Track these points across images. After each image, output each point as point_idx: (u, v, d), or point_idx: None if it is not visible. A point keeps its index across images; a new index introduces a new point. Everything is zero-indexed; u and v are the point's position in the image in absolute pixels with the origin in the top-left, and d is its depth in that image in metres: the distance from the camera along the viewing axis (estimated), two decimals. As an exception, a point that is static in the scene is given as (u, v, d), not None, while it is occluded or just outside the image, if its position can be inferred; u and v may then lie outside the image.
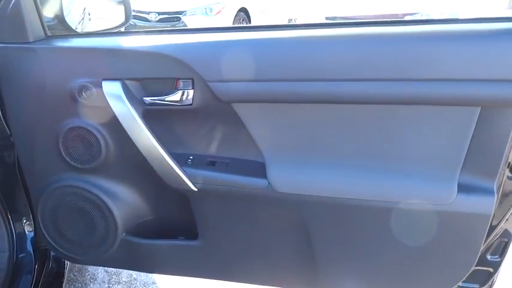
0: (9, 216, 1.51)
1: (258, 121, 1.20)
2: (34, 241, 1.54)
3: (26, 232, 1.55)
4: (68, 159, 1.28)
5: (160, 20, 6.76)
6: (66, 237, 1.41)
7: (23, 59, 1.22)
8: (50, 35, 1.27)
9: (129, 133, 1.21)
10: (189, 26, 6.53)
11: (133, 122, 1.20)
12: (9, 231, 1.51)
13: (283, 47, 1.15)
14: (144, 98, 1.22)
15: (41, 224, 1.40)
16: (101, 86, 1.19)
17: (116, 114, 1.19)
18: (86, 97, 1.21)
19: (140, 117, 1.20)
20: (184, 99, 1.20)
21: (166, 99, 1.21)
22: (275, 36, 1.19)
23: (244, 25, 6.58)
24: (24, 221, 1.56)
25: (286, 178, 1.21)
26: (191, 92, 1.19)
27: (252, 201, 1.24)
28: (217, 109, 1.21)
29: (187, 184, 1.25)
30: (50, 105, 1.24)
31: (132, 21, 6.43)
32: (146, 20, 6.74)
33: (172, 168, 1.24)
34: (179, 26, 6.57)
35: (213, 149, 1.30)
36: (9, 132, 1.34)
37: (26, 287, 1.53)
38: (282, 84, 1.14)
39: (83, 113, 1.24)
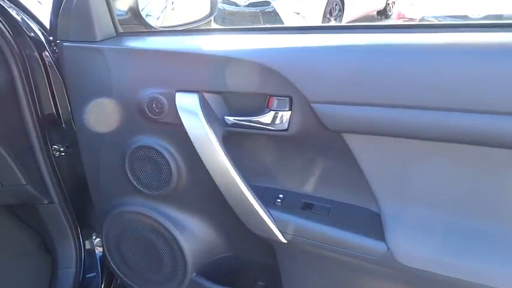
0: (79, 232, 1.35)
1: (377, 160, 0.84)
2: (103, 260, 1.36)
3: (96, 250, 1.38)
4: (134, 183, 1.05)
5: (249, 5, 6.22)
6: (130, 267, 1.19)
7: (89, 60, 1.00)
8: (122, 31, 1.03)
9: (203, 159, 0.93)
10: (280, 11, 6.07)
11: (210, 146, 0.91)
12: (78, 247, 1.35)
13: (423, 58, 0.76)
14: (226, 118, 0.93)
15: (105, 247, 1.20)
16: (174, 99, 0.92)
17: (190, 134, 0.92)
18: (157, 111, 0.95)
19: (219, 141, 0.91)
20: (277, 122, 0.88)
21: (254, 120, 0.90)
22: (411, 42, 0.81)
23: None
24: (95, 238, 1.39)
25: (416, 246, 0.84)
26: (287, 114, 0.87)
27: (361, 270, 0.90)
28: (321, 139, 0.87)
29: (273, 232, 0.94)
30: (116, 116, 1.01)
31: (221, 5, 6.18)
32: (235, 4, 6.21)
33: (255, 209, 0.93)
34: (269, 11, 6.13)
35: (310, 187, 0.97)
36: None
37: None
38: (418, 113, 0.76)
39: (152, 130, 0.99)
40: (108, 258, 1.21)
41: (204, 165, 0.94)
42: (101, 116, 1.04)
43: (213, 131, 0.90)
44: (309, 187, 0.97)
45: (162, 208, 1.08)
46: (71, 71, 1.02)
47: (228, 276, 1.16)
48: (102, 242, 1.22)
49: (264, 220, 0.93)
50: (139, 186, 1.05)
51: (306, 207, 0.95)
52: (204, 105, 0.91)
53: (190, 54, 0.91)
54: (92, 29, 0.98)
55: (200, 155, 0.92)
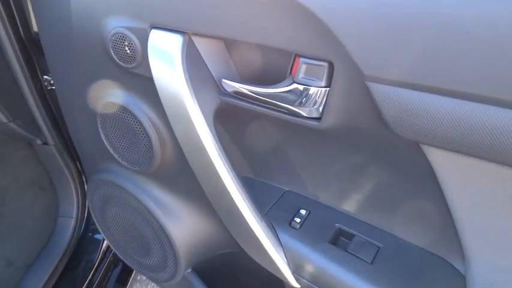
0: (83, 180, 1.11)
1: (476, 192, 0.43)
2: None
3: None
4: (111, 150, 0.74)
5: None
6: (117, 242, 0.94)
7: None
8: None
9: (181, 141, 0.57)
10: None
11: (190, 123, 0.55)
12: (79, 197, 1.13)
13: None
14: (224, 81, 0.55)
15: (90, 210, 0.95)
16: (147, 39, 0.55)
17: (162, 99, 0.56)
18: (126, 56, 0.59)
19: (207, 117, 0.55)
20: (305, 104, 0.48)
21: (266, 93, 0.51)
22: None
23: None
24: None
25: None
26: (323, 92, 0.46)
27: None
28: (380, 142, 0.47)
29: (280, 270, 0.59)
30: (81, 55, 0.67)
31: None
32: None
33: (253, 231, 0.58)
34: None
35: (350, 206, 0.59)
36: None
37: (91, 259, 1.18)
38: None
39: (124, 83, 0.64)
40: (96, 224, 0.96)
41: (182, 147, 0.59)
42: (66, 49, 0.70)
43: (199, 100, 0.53)
44: (349, 205, 0.58)
45: (147, 186, 0.77)
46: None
47: (232, 276, 0.86)
48: (88, 203, 0.97)
49: (266, 249, 0.57)
50: (116, 156, 0.73)
51: (340, 238, 0.57)
52: (191, 55, 0.53)
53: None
54: None
55: (175, 131, 0.57)
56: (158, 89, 0.55)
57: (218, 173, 0.54)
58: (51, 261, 1.09)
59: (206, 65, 0.54)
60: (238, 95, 0.54)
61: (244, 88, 0.52)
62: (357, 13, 0.40)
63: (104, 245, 1.17)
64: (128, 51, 0.59)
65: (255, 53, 0.53)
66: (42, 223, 1.28)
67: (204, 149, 0.54)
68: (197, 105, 0.52)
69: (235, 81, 0.54)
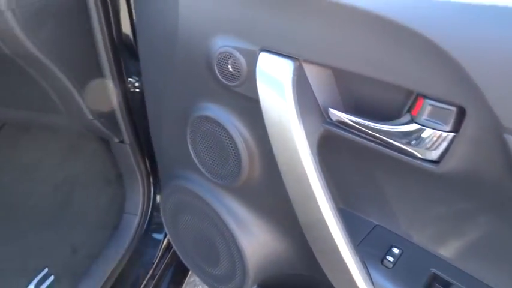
0: (150, 180, 1.14)
1: None
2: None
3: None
4: (195, 160, 0.74)
5: None
6: (185, 248, 0.95)
7: None
8: None
9: (281, 164, 0.57)
10: None
11: (294, 148, 0.54)
12: (146, 197, 1.16)
13: None
14: (331, 110, 0.53)
15: (162, 214, 0.97)
16: (256, 60, 0.55)
17: (267, 121, 0.55)
18: (231, 75, 0.59)
19: (311, 144, 0.53)
20: (422, 145, 0.46)
21: (377, 128, 0.49)
22: None
23: None
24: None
25: None
26: (447, 136, 0.44)
27: None
28: (502, 195, 0.44)
29: None
30: (182, 67, 0.68)
31: None
32: None
33: (345, 263, 0.56)
34: None
35: (450, 250, 0.56)
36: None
37: (150, 257, 1.20)
38: None
39: (223, 100, 0.64)
40: (165, 228, 0.98)
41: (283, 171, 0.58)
42: (166, 59, 0.72)
43: (305, 127, 0.52)
44: (448, 251, 0.55)
45: (225, 198, 0.77)
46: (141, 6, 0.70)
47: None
48: (160, 207, 0.99)
49: (356, 284, 0.55)
50: (201, 167, 0.74)
51: (435, 284, 0.54)
52: (300, 82, 0.52)
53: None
54: None
55: (277, 156, 0.56)
56: (264, 111, 0.54)
57: (317, 202, 0.53)
58: (115, 255, 1.12)
59: (313, 91, 0.53)
60: (344, 125, 0.52)
61: (353, 120, 0.51)
62: (499, 55, 0.37)
63: (163, 246, 1.19)
64: (232, 69, 0.59)
65: (365, 85, 0.51)
66: (107, 215, 1.32)
67: (306, 176, 0.53)
68: (303, 131, 0.52)
69: (341, 111, 0.53)
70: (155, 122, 0.84)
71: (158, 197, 1.21)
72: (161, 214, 0.96)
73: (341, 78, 0.53)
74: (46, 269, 1.15)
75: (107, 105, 1.01)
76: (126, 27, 0.95)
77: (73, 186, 1.43)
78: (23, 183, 1.46)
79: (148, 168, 1.13)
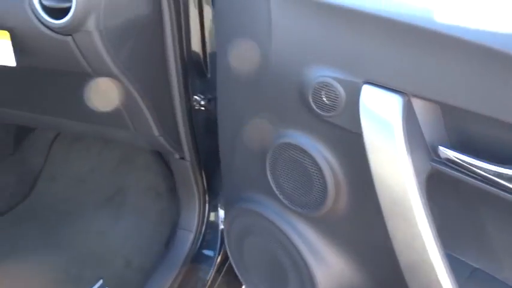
0: (206, 198, 1.13)
1: None
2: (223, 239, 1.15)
3: (220, 222, 1.17)
4: (273, 186, 0.73)
5: None
6: (250, 275, 0.94)
7: (248, 1, 0.65)
8: None
9: (384, 204, 0.54)
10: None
11: (402, 188, 0.52)
12: (201, 214, 1.15)
13: None
14: (442, 148, 0.51)
15: (225, 237, 0.96)
16: (359, 94, 0.53)
17: (371, 158, 0.53)
18: (326, 105, 0.58)
19: (419, 184, 0.51)
20: None
21: (492, 170, 0.46)
22: None
23: None
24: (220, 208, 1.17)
25: None
26: None
27: None
28: None
29: None
30: (267, 91, 0.67)
31: None
32: None
33: None
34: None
35: None
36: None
37: (204, 275, 1.19)
38: None
39: (312, 128, 0.63)
40: (228, 250, 0.97)
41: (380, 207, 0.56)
42: (248, 82, 0.71)
43: (414, 165, 0.50)
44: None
45: (301, 226, 0.75)
46: (222, 13, 0.70)
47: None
48: (224, 229, 0.98)
49: None
50: (279, 194, 0.73)
51: None
52: (409, 118, 0.50)
53: (405, 25, 0.49)
54: None
55: (379, 192, 0.54)
56: (367, 146, 0.53)
57: (424, 242, 0.51)
58: (170, 272, 1.12)
59: (420, 127, 0.51)
60: (455, 164, 0.50)
61: (467, 160, 0.48)
62: None
63: (217, 263, 1.18)
64: (329, 100, 0.57)
65: (479, 122, 0.49)
66: (158, 229, 1.33)
67: (414, 215, 0.51)
68: (412, 169, 0.49)
69: (448, 148, 0.50)
70: (227, 142, 0.84)
71: (212, 215, 1.20)
72: (225, 235, 0.95)
73: (450, 114, 0.51)
74: (101, 281, 1.16)
75: (173, 122, 1.02)
76: (195, 45, 0.95)
77: (125, 198, 1.45)
78: (76, 192, 1.49)
79: (205, 186, 1.13)
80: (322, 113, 0.59)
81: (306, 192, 0.68)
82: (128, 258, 1.26)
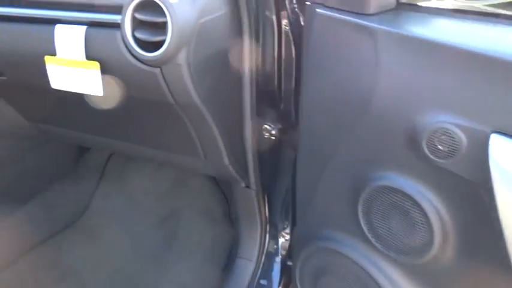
0: (267, 228, 1.11)
1: None
2: (282, 270, 1.12)
3: (279, 253, 1.14)
4: (365, 229, 0.70)
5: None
6: None
7: (350, 39, 0.64)
8: (406, 1, 0.62)
9: None
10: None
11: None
12: (262, 243, 1.13)
13: None
14: None
15: (297, 275, 0.92)
16: (486, 144, 0.50)
17: (502, 212, 0.49)
18: (441, 152, 0.55)
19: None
20: None
21: None
22: None
23: None
24: (281, 238, 1.14)
25: None
26: None
27: None
28: None
29: None
30: (366, 132, 0.64)
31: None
32: None
33: None
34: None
35: None
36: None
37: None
38: None
39: (419, 173, 0.60)
40: (299, 285, 0.93)
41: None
42: (343, 121, 0.68)
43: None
44: None
45: (394, 273, 0.71)
46: (317, 49, 0.68)
47: None
48: (294, 266, 0.94)
49: None
50: (371, 237, 0.69)
51: None
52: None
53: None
54: None
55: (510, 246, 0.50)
56: (497, 198, 0.49)
57: None
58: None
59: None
60: None
61: None
62: None
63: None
64: (444, 147, 0.54)
65: None
66: (214, 255, 1.30)
67: None
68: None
69: None
70: (308, 177, 0.81)
71: (271, 244, 1.18)
72: (296, 271, 0.92)
73: None
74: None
75: (242, 151, 1.01)
76: (271, 75, 0.94)
77: (179, 221, 1.44)
78: (130, 212, 1.49)
79: (267, 216, 1.11)
80: (436, 159, 0.55)
81: (405, 239, 0.64)
82: (182, 282, 1.24)
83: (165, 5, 0.68)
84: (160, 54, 0.70)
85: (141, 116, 0.95)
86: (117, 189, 1.52)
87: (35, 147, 1.30)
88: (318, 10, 0.65)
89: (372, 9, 0.60)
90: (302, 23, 0.86)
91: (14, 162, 1.25)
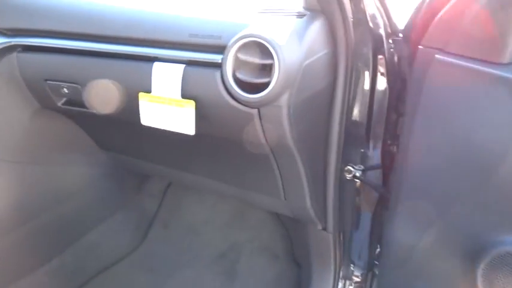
0: (340, 270, 1.04)
1: None
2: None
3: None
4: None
5: None
6: None
7: (478, 90, 0.58)
8: None
9: None
10: None
11: None
12: (335, 286, 1.06)
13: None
14: None
15: None
16: None
17: None
18: None
19: None
20: None
21: None
22: None
23: None
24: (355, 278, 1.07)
25: None
26: None
27: None
28: None
29: None
30: (495, 199, 0.58)
31: None
32: None
33: None
34: None
35: None
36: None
37: None
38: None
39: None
40: None
41: None
42: (462, 178, 0.62)
43: None
44: None
45: None
46: (433, 96, 0.63)
47: None
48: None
49: None
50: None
51: None
52: None
53: None
54: (498, 44, 0.55)
55: None
56: None
57: None
58: None
59: None
60: None
61: None
62: None
63: None
64: None
65: None
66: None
67: None
68: None
69: None
70: (406, 232, 0.75)
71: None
72: None
73: None
74: None
75: (323, 192, 0.96)
76: (361, 116, 0.90)
77: (239, 256, 1.39)
78: (189, 243, 1.45)
79: (341, 260, 1.04)
80: None
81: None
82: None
83: (273, 47, 0.65)
84: (263, 96, 0.67)
85: (223, 152, 0.92)
86: (175, 218, 1.50)
87: (102, 175, 1.30)
88: (437, 56, 0.60)
89: (508, 58, 0.55)
90: (402, 65, 0.82)
91: (82, 190, 1.25)
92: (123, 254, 1.38)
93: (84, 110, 0.88)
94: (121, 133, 1.02)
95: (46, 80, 0.88)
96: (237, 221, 1.45)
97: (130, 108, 0.80)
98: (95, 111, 0.86)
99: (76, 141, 1.13)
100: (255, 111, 0.72)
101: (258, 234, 1.39)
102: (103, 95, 0.81)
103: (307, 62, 0.69)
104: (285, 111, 0.70)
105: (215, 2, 0.86)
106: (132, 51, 0.78)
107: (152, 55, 0.77)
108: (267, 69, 0.68)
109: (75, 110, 0.92)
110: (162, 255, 1.41)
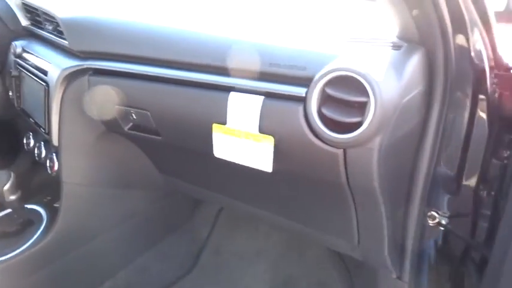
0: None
1: None
2: None
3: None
4: None
5: None
6: None
7: None
8: None
9: None
10: None
11: None
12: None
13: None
14: None
15: None
16: None
17: None
18: None
19: None
20: None
21: None
22: None
23: None
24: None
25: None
26: None
27: None
28: None
29: None
30: None
31: None
32: None
33: None
34: None
35: None
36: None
37: None
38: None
39: None
40: None
41: None
42: None
43: None
44: None
45: None
46: None
47: None
48: None
49: None
50: None
51: None
52: None
53: None
54: None
55: None
56: None
57: None
58: None
59: None
60: None
61: None
62: None
63: None
64: None
65: None
66: None
67: None
68: None
69: None
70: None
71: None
72: None
73: None
74: None
75: (402, 239, 0.86)
76: (455, 156, 0.80)
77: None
78: (240, 273, 1.38)
79: None
80: None
81: None
82: None
83: (368, 83, 0.57)
84: (354, 137, 0.59)
85: (293, 189, 0.85)
86: (227, 245, 1.44)
87: (157, 198, 1.27)
88: None
89: None
90: (506, 104, 0.72)
91: (138, 213, 1.22)
92: (174, 277, 1.33)
93: (152, 136, 0.84)
94: (187, 161, 0.98)
95: (115, 104, 0.85)
96: (292, 253, 1.36)
97: (203, 139, 0.75)
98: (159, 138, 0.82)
99: (136, 164, 1.11)
100: (340, 151, 0.64)
101: (315, 270, 1.30)
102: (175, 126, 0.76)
103: (405, 99, 0.61)
104: (375, 153, 0.62)
105: (297, 29, 0.79)
106: (207, 80, 0.73)
107: (228, 85, 0.71)
108: (356, 106, 0.60)
109: (142, 136, 0.88)
110: (213, 283, 1.35)
